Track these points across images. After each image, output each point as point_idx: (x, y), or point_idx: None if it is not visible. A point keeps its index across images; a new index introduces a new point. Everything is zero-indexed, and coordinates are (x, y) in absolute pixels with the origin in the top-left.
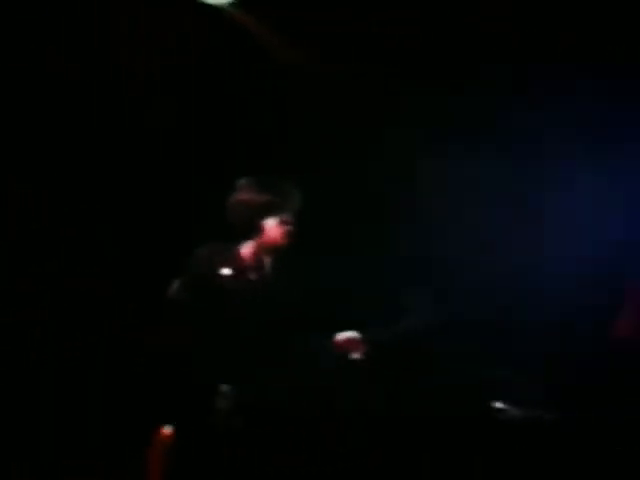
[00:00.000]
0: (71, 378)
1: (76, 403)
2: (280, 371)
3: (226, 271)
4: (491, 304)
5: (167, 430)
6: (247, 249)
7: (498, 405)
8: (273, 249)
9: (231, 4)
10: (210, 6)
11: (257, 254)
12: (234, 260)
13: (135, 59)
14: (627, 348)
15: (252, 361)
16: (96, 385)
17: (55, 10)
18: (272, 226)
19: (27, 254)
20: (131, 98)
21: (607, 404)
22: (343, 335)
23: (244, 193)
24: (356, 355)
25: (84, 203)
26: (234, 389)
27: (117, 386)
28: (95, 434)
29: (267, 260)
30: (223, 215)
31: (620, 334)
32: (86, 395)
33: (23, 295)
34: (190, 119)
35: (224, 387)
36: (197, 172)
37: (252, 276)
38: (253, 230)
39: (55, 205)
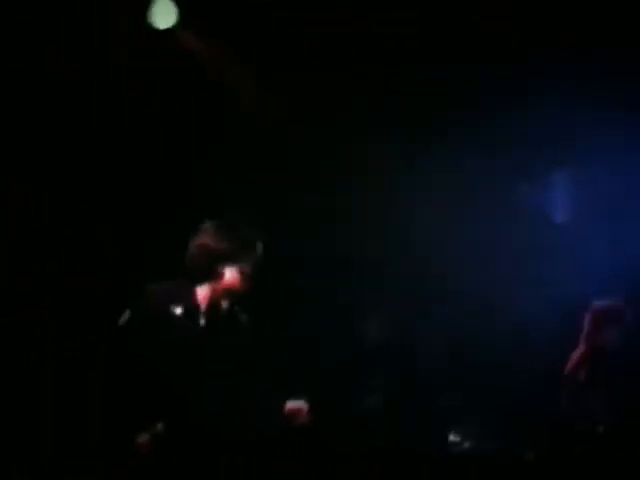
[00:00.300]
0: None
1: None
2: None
3: (178, 310)
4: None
5: None
6: (202, 293)
7: (452, 438)
8: (229, 293)
9: (176, 25)
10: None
11: (212, 299)
12: (187, 301)
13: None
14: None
15: (189, 400)
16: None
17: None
18: (231, 274)
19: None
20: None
21: (558, 438)
22: (293, 404)
23: (205, 238)
24: (300, 422)
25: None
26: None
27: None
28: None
29: (223, 304)
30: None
31: (568, 370)
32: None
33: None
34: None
35: (159, 425)
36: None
37: (202, 319)
38: (211, 276)
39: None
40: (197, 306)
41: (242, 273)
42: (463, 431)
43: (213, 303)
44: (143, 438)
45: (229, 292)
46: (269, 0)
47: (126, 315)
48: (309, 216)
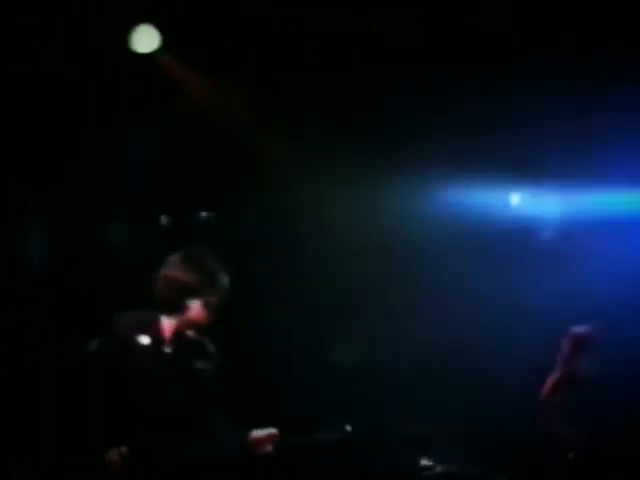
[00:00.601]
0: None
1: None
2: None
3: (145, 340)
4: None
5: None
6: (168, 324)
7: (424, 462)
8: (195, 325)
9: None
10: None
11: (178, 329)
12: (154, 331)
13: None
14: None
15: (152, 427)
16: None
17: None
18: (196, 307)
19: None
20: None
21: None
22: (262, 432)
23: (173, 270)
24: (265, 451)
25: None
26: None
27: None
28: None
29: (189, 334)
30: None
31: (543, 395)
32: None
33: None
34: None
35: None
36: None
37: (168, 349)
38: (178, 308)
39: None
40: (163, 336)
41: (208, 305)
42: (435, 455)
43: (179, 333)
44: (112, 455)
45: (194, 323)
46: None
47: (95, 343)
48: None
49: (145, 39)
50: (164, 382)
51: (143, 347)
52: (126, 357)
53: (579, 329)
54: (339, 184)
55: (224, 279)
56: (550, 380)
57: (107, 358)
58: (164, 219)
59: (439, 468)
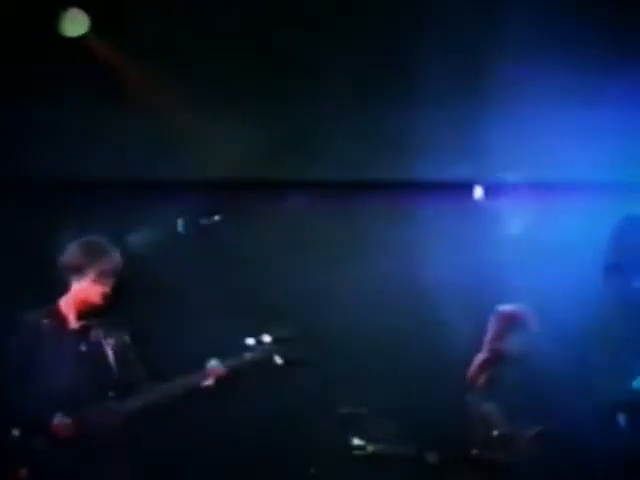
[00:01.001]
0: None
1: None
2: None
3: (45, 321)
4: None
5: None
6: (64, 305)
7: (356, 441)
8: (91, 307)
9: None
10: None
11: (79, 310)
12: (55, 315)
13: None
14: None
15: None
16: None
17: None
18: (83, 285)
19: None
20: None
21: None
22: (216, 363)
23: (65, 255)
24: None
25: None
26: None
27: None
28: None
29: (86, 313)
30: None
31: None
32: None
33: None
34: None
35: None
36: None
37: (72, 325)
38: (64, 287)
39: None
40: (66, 317)
41: (95, 284)
42: (367, 435)
43: (81, 313)
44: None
45: (89, 302)
46: None
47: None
48: None
49: (73, 22)
50: (76, 358)
51: (45, 328)
52: (38, 343)
53: (506, 308)
54: None
55: (109, 257)
56: (477, 359)
57: (24, 348)
58: (180, 225)
59: (370, 447)
